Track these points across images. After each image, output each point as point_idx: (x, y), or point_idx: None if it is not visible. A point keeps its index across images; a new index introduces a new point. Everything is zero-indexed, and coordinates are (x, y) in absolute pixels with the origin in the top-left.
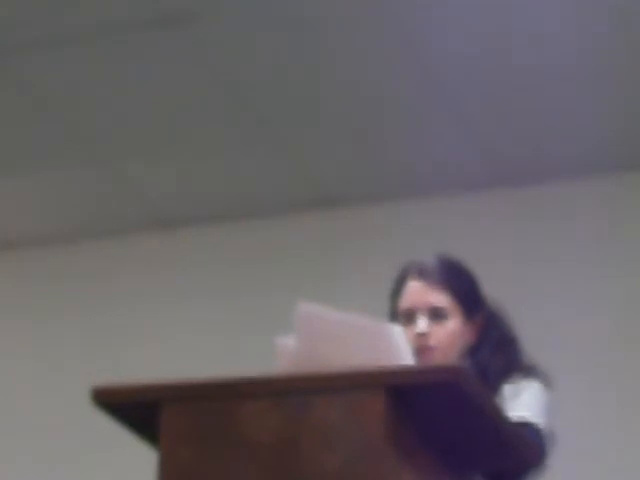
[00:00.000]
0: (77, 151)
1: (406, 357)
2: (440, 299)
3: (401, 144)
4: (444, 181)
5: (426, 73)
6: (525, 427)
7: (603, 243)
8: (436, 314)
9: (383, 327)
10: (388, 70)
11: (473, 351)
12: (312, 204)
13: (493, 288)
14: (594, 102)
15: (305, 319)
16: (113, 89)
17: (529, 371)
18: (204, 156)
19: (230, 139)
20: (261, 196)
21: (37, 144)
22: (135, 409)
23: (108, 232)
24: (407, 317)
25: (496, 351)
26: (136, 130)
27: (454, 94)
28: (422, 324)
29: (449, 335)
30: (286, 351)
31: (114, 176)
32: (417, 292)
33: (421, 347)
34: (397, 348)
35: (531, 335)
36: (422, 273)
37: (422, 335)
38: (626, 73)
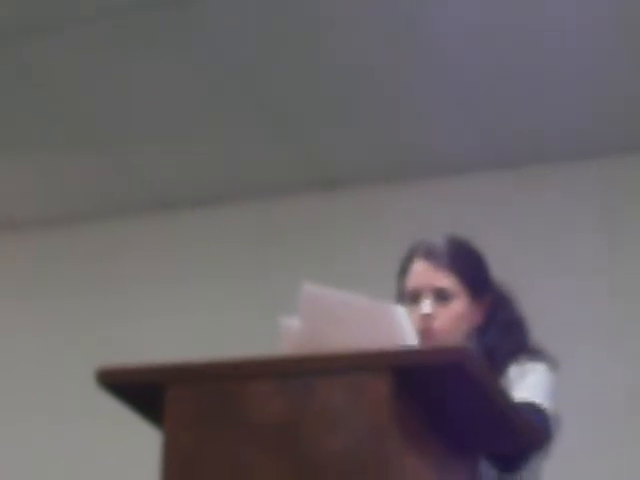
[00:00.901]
0: (78, 134)
1: (410, 338)
2: (445, 281)
3: (401, 126)
4: (444, 162)
5: (427, 55)
6: (530, 409)
7: (604, 225)
8: (441, 296)
9: (387, 308)
10: (389, 52)
11: (480, 333)
12: (313, 186)
13: (493, 270)
14: (595, 83)
15: (309, 300)
16: (113, 73)
17: (535, 353)
18: (205, 138)
19: (231, 121)
20: (262, 178)
21: (39, 128)
22: (139, 390)
23: (110, 214)
24: (412, 298)
25: (504, 333)
26: (137, 112)
27: (454, 75)
28: (426, 306)
29: (453, 317)
30: (290, 332)
31: (115, 158)
32: (422, 273)
33: (425, 329)
34: (401, 329)
35: (531, 318)
36: (429, 254)
37: (426, 316)
38: (629, 52)
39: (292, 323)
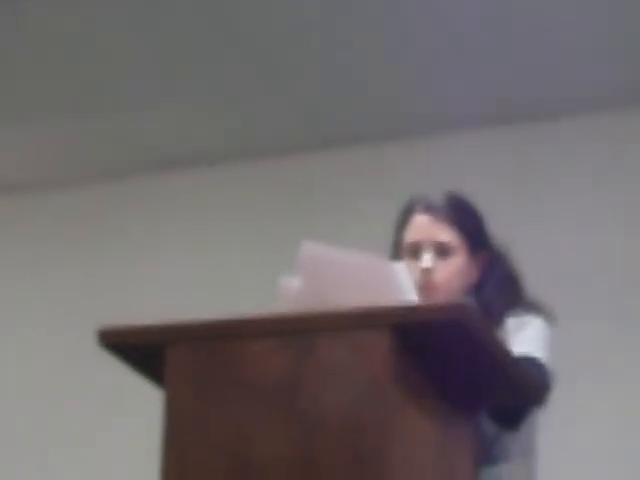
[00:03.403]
0: (75, 97)
1: (410, 295)
2: (446, 235)
3: (405, 82)
4: (447, 118)
5: (430, 10)
6: (529, 364)
7: (605, 179)
8: (441, 250)
9: (387, 264)
10: (392, 7)
11: (477, 288)
12: (318, 144)
13: (496, 224)
14: (602, 36)
15: (308, 259)
16: (112, 31)
17: (533, 306)
18: (202, 98)
19: (229, 80)
20: (260, 137)
21: (38, 90)
22: (140, 350)
23: (111, 174)
24: (412, 251)
25: (500, 289)
26: (137, 70)
27: (458, 31)
28: (427, 260)
29: (453, 272)
30: (289, 292)
31: (115, 118)
32: (423, 227)
33: (425, 283)
34: (401, 285)
35: (535, 272)
36: (429, 208)
37: (426, 271)
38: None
39: (290, 282)
